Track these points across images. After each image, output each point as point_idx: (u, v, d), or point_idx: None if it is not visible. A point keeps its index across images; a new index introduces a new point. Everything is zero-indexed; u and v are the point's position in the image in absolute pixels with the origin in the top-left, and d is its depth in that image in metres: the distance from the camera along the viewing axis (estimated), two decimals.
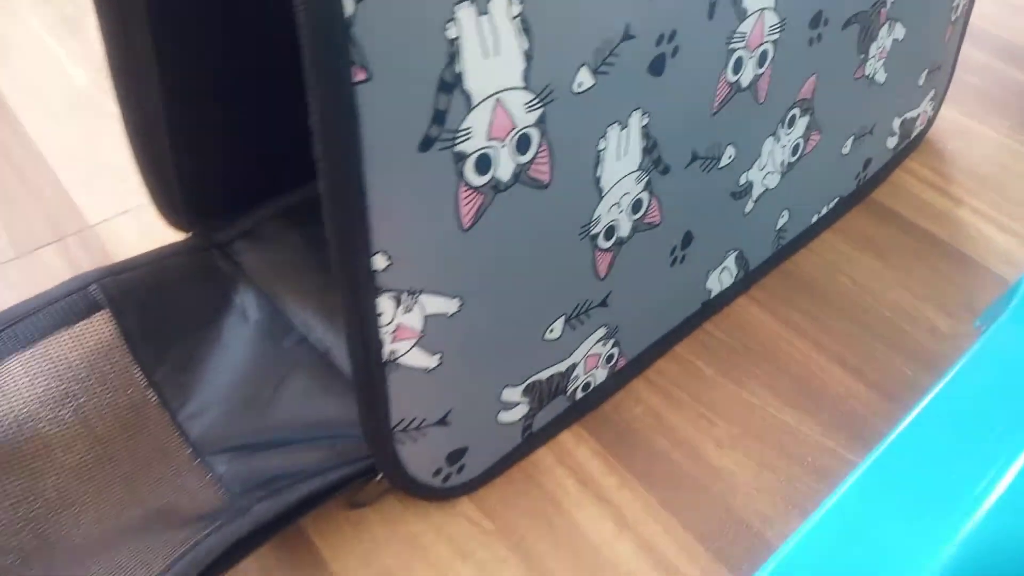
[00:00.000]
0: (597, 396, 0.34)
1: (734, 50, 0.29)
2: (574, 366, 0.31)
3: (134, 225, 0.41)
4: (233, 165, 0.36)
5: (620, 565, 0.29)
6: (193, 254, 0.36)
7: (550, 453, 0.32)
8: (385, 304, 0.24)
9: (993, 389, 0.23)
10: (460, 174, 0.23)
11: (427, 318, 0.25)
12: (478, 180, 0.23)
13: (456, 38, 0.21)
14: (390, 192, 0.22)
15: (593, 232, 0.28)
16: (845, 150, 0.39)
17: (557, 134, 0.25)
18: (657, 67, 0.26)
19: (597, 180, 0.27)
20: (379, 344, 0.24)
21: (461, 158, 0.23)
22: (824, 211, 0.41)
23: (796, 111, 0.34)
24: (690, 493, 0.31)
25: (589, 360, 0.32)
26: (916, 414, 0.23)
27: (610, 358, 0.33)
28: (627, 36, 0.25)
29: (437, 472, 0.29)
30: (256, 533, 0.27)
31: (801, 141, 0.36)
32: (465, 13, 0.21)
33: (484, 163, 0.23)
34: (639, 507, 0.31)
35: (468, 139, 0.22)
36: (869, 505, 0.21)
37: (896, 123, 0.43)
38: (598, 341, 0.32)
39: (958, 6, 0.42)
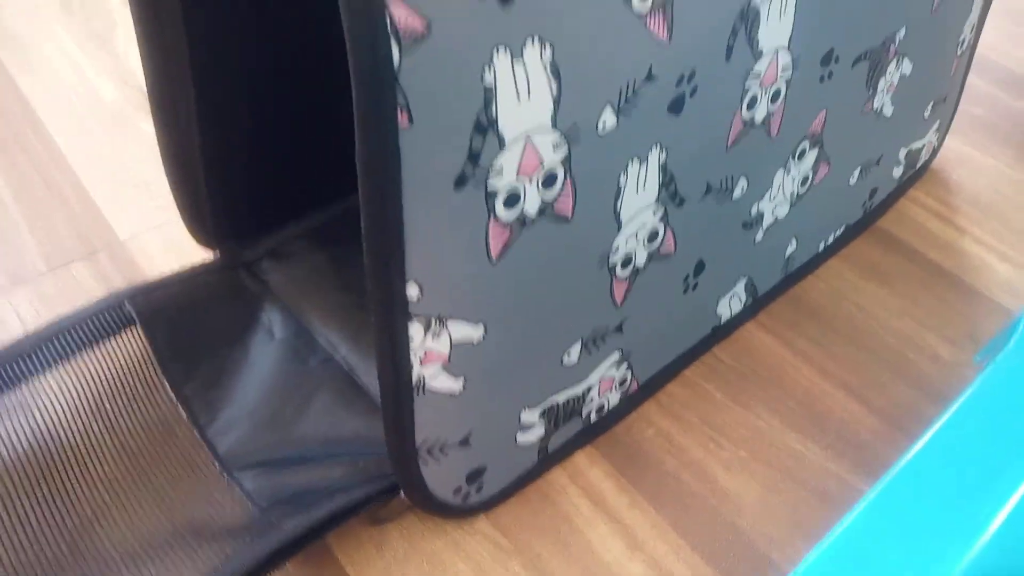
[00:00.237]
0: (610, 418, 0.35)
1: (749, 88, 0.30)
2: (589, 389, 0.32)
3: (162, 241, 0.42)
4: (261, 186, 0.38)
5: None
6: (221, 273, 0.37)
7: (564, 473, 0.34)
8: (415, 330, 0.25)
9: (996, 424, 0.24)
10: (491, 210, 0.24)
11: (453, 343, 0.26)
12: (507, 215, 0.24)
13: (492, 84, 0.22)
14: (425, 226, 0.23)
15: (611, 262, 0.29)
16: (852, 180, 0.41)
17: (581, 171, 0.26)
18: (677, 106, 0.27)
19: (617, 213, 0.28)
20: (408, 368, 0.25)
21: (492, 195, 0.24)
22: (831, 239, 0.42)
23: (806, 144, 0.35)
24: (699, 514, 0.32)
25: (603, 383, 0.33)
26: (921, 446, 0.24)
27: (623, 381, 0.34)
28: (649, 77, 0.26)
29: (457, 491, 0.30)
30: (284, 548, 0.28)
31: (810, 173, 0.37)
32: (501, 60, 0.22)
33: (513, 199, 0.24)
34: (649, 527, 0.32)
35: (499, 177, 0.23)
36: (875, 535, 0.22)
37: (902, 153, 0.44)
38: (612, 365, 0.33)
39: (964, 40, 0.43)
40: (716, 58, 0.28)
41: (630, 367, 0.34)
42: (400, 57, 0.20)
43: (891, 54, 0.37)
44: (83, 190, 0.45)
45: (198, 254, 0.38)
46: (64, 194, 0.45)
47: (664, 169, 0.29)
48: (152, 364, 0.34)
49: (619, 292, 0.31)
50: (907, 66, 0.39)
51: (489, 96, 0.22)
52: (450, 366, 0.26)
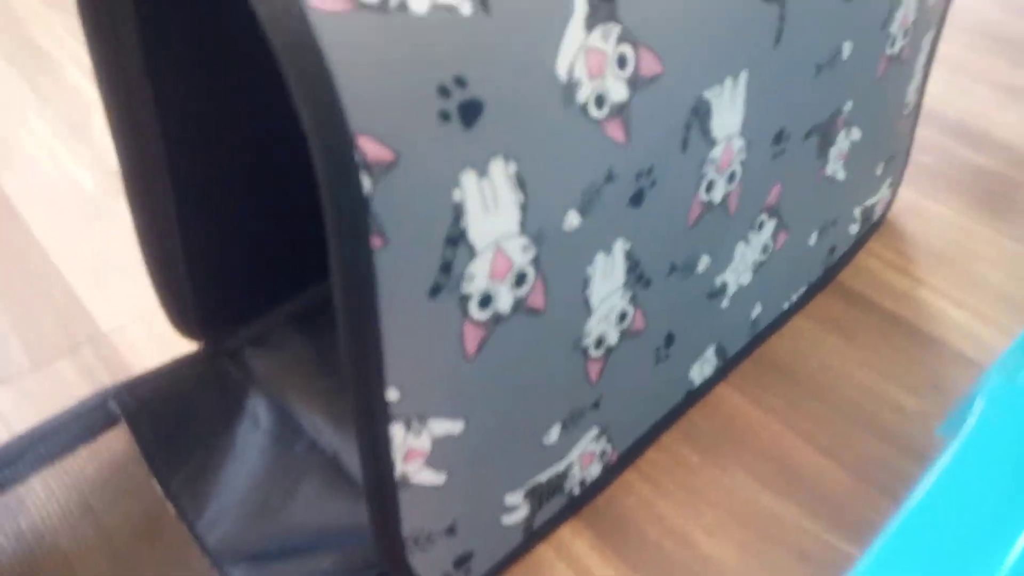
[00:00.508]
0: (592, 490, 0.36)
1: (706, 174, 0.32)
2: (571, 465, 0.33)
3: (145, 330, 0.42)
4: (242, 273, 0.39)
5: None
6: (205, 362, 0.38)
7: (550, 548, 0.34)
8: (396, 430, 0.26)
9: (968, 504, 0.25)
10: (465, 312, 0.25)
11: (434, 439, 0.27)
12: (481, 316, 0.26)
13: (461, 200, 0.23)
14: (402, 334, 0.24)
15: (584, 344, 0.31)
16: (811, 242, 0.42)
17: (550, 268, 0.27)
18: (637, 199, 0.29)
19: (587, 300, 0.30)
20: (391, 466, 0.26)
21: (466, 298, 0.25)
22: (795, 298, 0.44)
23: (764, 216, 0.37)
24: None
25: (584, 458, 0.34)
26: (882, 542, 0.25)
27: (603, 453, 0.35)
28: (610, 178, 0.27)
29: None
30: None
31: (770, 241, 0.39)
32: (468, 178, 0.23)
33: (486, 300, 0.26)
34: None
35: (472, 282, 0.25)
36: None
37: (857, 211, 0.46)
38: (592, 440, 0.34)
39: (910, 103, 0.45)
40: (672, 151, 0.30)
41: (609, 439, 0.35)
42: (371, 185, 0.21)
43: (840, 125, 0.39)
44: (65, 282, 0.45)
45: (181, 343, 0.38)
46: (46, 287, 0.45)
47: (629, 255, 0.30)
48: (139, 460, 0.34)
49: (594, 371, 0.32)
50: (856, 134, 0.41)
51: (459, 212, 0.23)
52: (432, 461, 0.27)
